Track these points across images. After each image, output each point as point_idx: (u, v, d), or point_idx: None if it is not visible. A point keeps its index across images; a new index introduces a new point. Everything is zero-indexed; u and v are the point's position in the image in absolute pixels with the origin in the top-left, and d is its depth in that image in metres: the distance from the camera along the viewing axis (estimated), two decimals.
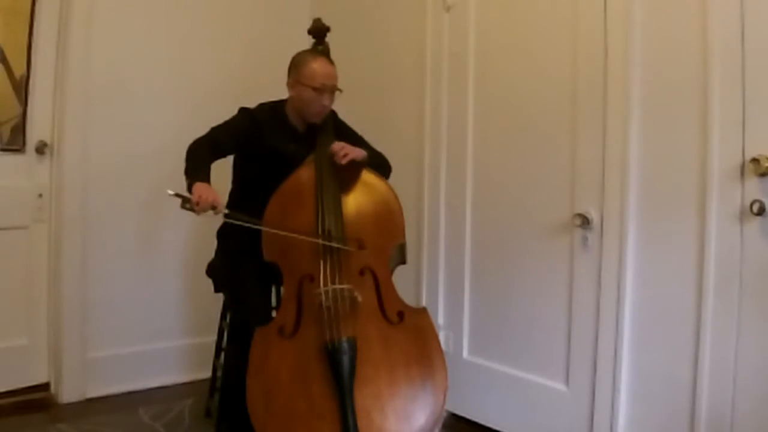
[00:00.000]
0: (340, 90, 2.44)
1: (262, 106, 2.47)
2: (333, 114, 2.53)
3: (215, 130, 2.38)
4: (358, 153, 2.34)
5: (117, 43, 3.00)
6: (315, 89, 2.36)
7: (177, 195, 2.07)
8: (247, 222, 2.21)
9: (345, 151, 2.31)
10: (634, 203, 2.19)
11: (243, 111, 2.45)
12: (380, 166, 2.48)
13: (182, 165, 3.12)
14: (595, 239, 2.30)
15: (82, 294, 2.95)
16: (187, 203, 2.07)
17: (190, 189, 2.12)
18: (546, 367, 2.48)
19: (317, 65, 2.39)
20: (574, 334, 2.37)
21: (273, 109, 2.47)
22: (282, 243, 2.24)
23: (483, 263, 2.72)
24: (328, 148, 2.35)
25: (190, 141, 3.14)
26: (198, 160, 2.25)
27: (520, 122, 2.58)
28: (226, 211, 2.16)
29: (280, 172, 2.33)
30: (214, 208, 2.10)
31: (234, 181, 2.53)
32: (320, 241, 2.20)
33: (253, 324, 2.21)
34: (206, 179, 2.17)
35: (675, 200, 2.09)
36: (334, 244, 2.21)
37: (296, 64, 2.42)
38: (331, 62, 2.46)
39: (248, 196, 2.39)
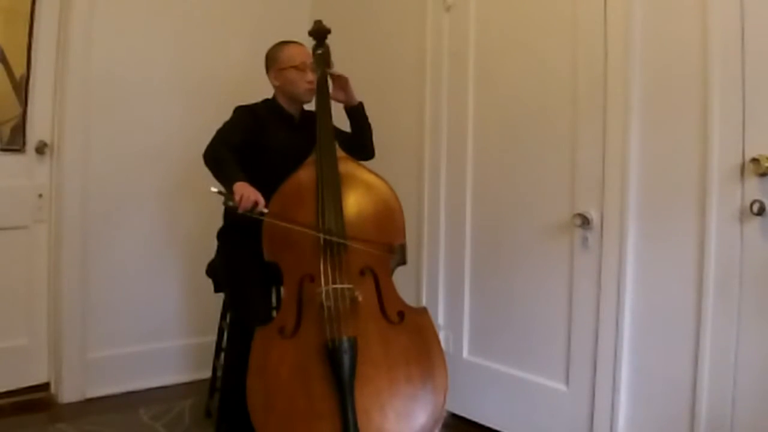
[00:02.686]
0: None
1: (255, 103, 2.51)
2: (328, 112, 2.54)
3: (222, 132, 2.36)
4: (352, 91, 2.55)
5: (117, 43, 3.00)
6: (297, 68, 2.45)
7: (220, 192, 2.09)
8: (284, 223, 2.21)
9: (344, 80, 2.50)
10: (634, 203, 2.19)
11: (240, 108, 2.46)
12: (368, 138, 2.61)
13: (183, 164, 3.18)
14: (595, 239, 2.30)
15: (82, 294, 2.95)
16: (230, 201, 2.07)
17: (229, 189, 2.11)
18: (546, 367, 2.48)
19: (291, 48, 2.50)
20: (574, 334, 2.37)
21: (267, 103, 2.52)
22: (282, 243, 2.25)
23: (483, 263, 2.72)
24: (329, 147, 2.36)
25: (190, 140, 3.17)
26: (226, 161, 2.23)
27: (520, 122, 2.58)
28: (266, 210, 2.14)
29: (280, 169, 2.33)
30: (255, 206, 2.10)
31: None
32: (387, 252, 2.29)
33: (253, 324, 2.21)
34: (244, 178, 2.15)
35: (675, 200, 2.09)
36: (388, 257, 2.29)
37: (272, 56, 2.52)
38: (302, 44, 2.56)
39: None
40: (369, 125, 2.61)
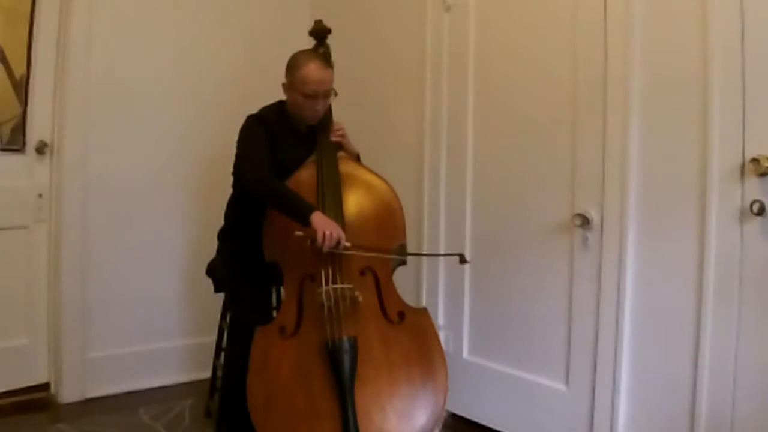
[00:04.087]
0: (335, 93, 2.41)
1: (266, 110, 2.43)
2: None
3: (256, 154, 2.28)
4: (352, 145, 2.47)
5: (117, 44, 3.01)
6: (306, 96, 2.32)
7: (306, 235, 2.11)
8: (368, 252, 2.22)
9: (342, 133, 2.42)
10: (634, 203, 2.19)
11: (254, 119, 2.38)
12: None
13: (182, 164, 3.18)
14: (595, 239, 2.30)
15: (82, 294, 2.95)
16: (314, 242, 2.09)
17: (301, 220, 2.12)
18: (546, 367, 2.48)
19: (309, 71, 2.31)
20: (574, 334, 2.37)
21: (278, 112, 2.44)
22: (283, 243, 2.24)
23: (483, 263, 2.72)
24: (329, 147, 2.36)
25: (189, 140, 3.18)
26: (288, 193, 2.22)
27: (520, 122, 2.58)
28: (348, 244, 2.15)
29: (286, 176, 2.32)
30: (338, 243, 2.11)
31: (235, 186, 2.51)
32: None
33: (253, 324, 2.21)
34: (312, 207, 2.16)
35: (675, 200, 2.09)
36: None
37: (291, 67, 2.37)
38: (326, 65, 2.39)
39: (251, 202, 2.36)
40: None
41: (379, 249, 2.26)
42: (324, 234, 2.08)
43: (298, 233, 2.12)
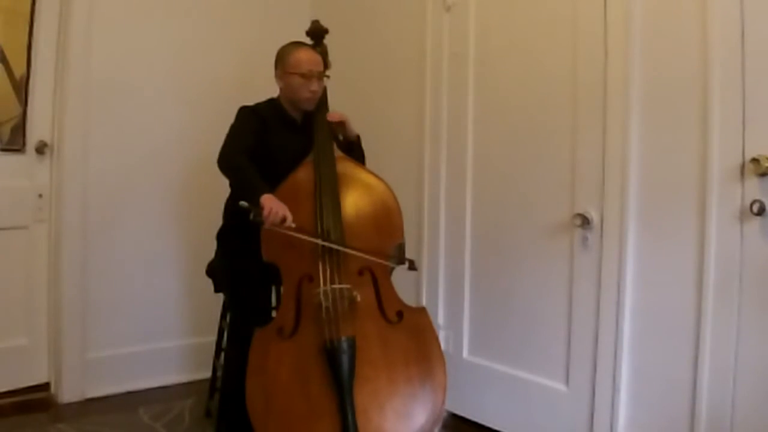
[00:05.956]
0: (328, 76, 2.50)
1: (259, 104, 2.49)
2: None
3: (236, 136, 2.34)
4: (351, 126, 2.48)
5: (117, 44, 3.00)
6: (302, 75, 2.40)
7: (249, 207, 2.08)
8: (308, 237, 2.20)
9: (340, 117, 2.44)
10: (634, 203, 2.19)
11: (246, 109, 2.44)
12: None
13: (182, 164, 3.18)
14: (595, 239, 2.30)
15: (82, 294, 2.95)
16: (258, 216, 2.07)
17: (254, 201, 2.11)
18: (546, 367, 2.47)
19: (301, 53, 2.43)
20: (574, 334, 2.37)
21: (271, 104, 2.50)
22: (280, 243, 2.24)
23: (483, 263, 2.72)
24: (326, 147, 2.36)
25: (189, 141, 3.18)
26: (247, 170, 2.22)
27: (520, 122, 2.58)
28: (294, 225, 2.14)
29: (281, 171, 2.33)
30: (283, 221, 2.10)
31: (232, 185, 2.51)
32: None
33: (252, 324, 2.21)
34: (270, 189, 2.16)
35: (675, 200, 2.09)
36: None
37: (281, 56, 2.46)
38: (315, 50, 2.51)
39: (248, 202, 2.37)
40: (363, 156, 2.56)
41: (367, 249, 2.25)
42: (270, 210, 2.07)
43: (243, 204, 2.09)
